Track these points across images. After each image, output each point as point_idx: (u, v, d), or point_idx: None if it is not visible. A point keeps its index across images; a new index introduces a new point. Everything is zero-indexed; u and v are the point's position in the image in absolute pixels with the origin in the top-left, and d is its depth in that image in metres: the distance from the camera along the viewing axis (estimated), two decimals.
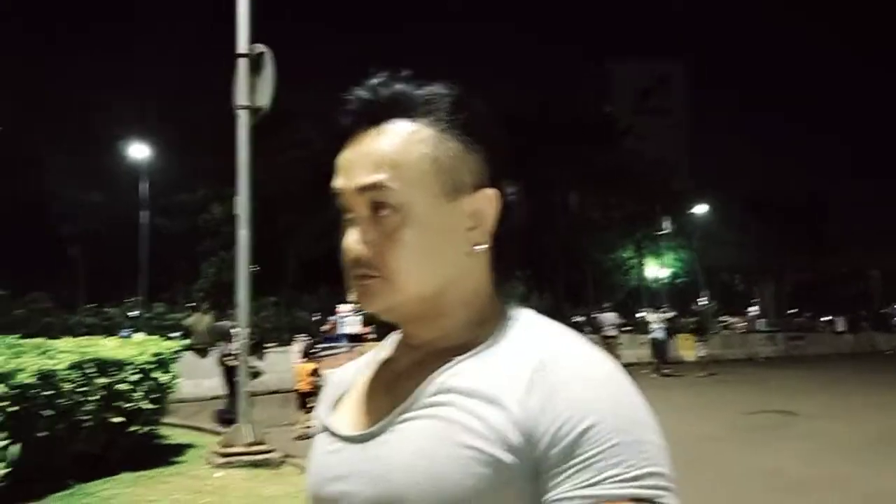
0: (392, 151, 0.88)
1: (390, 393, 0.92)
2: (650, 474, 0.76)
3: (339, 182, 0.91)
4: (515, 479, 0.78)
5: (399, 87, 0.91)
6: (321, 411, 1.02)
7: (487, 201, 0.90)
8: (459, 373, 0.85)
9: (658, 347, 18.60)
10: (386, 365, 0.99)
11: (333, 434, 0.94)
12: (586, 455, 0.75)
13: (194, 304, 21.13)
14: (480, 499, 0.77)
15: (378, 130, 0.89)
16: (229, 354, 9.88)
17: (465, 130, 0.90)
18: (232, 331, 9.89)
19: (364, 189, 0.88)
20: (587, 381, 0.80)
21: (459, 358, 0.87)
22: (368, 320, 15.21)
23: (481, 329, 0.91)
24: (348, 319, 24.50)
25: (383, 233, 0.88)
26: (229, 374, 9.99)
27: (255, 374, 9.67)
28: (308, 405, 9.54)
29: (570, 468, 0.76)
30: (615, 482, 0.74)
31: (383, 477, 0.83)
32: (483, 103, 0.94)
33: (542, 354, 0.83)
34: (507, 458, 0.78)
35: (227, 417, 9.48)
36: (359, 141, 0.90)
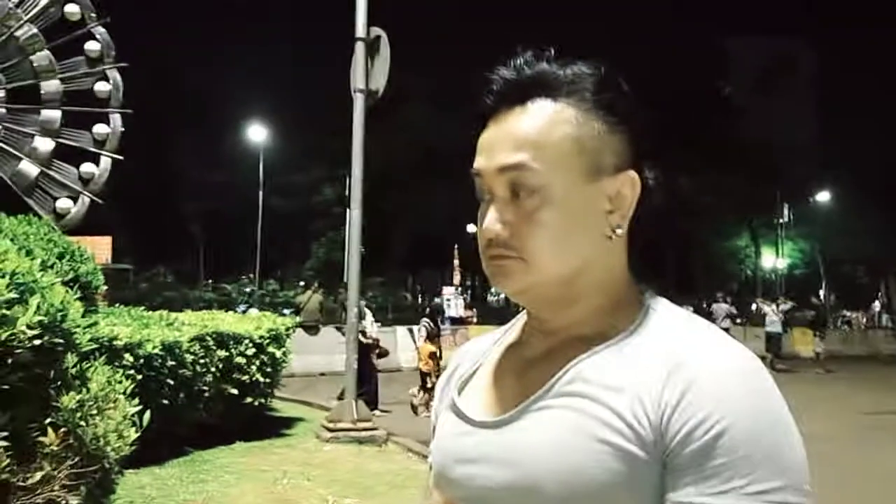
0: (534, 132, 0.87)
1: (523, 379, 0.91)
2: (778, 489, 0.74)
3: (479, 162, 0.91)
4: (647, 474, 0.77)
5: (543, 66, 0.90)
6: (448, 392, 1.02)
7: (629, 184, 0.89)
8: (596, 364, 0.84)
9: (773, 341, 17.88)
10: (515, 349, 0.98)
11: (463, 417, 0.94)
12: (716, 461, 0.74)
13: (305, 282, 21.83)
14: (612, 492, 0.78)
15: (521, 110, 0.89)
16: (363, 332, 10.04)
17: (609, 111, 0.88)
18: (365, 310, 10.15)
19: (505, 169, 0.87)
20: (724, 382, 0.78)
21: (596, 348, 0.86)
22: (470, 304, 15.22)
23: (616, 317, 0.89)
24: (452, 302, 24.67)
25: (522, 214, 0.87)
26: (362, 352, 10.08)
27: (382, 354, 9.89)
28: (428, 384, 9.74)
29: (698, 472, 0.75)
30: (741, 494, 0.73)
31: (517, 464, 0.83)
32: (627, 83, 0.92)
33: (681, 350, 0.81)
34: (640, 453, 0.77)
35: (365, 398, 9.68)
36: (501, 120, 0.90)
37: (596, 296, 0.90)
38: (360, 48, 8.08)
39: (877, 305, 45.33)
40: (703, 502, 0.74)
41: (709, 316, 21.27)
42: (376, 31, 8.17)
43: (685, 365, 0.79)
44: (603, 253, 0.89)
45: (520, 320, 1.02)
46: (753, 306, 37.72)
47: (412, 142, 31.67)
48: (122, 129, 9.94)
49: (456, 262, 31.15)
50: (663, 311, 0.90)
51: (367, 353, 9.83)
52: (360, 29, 8.10)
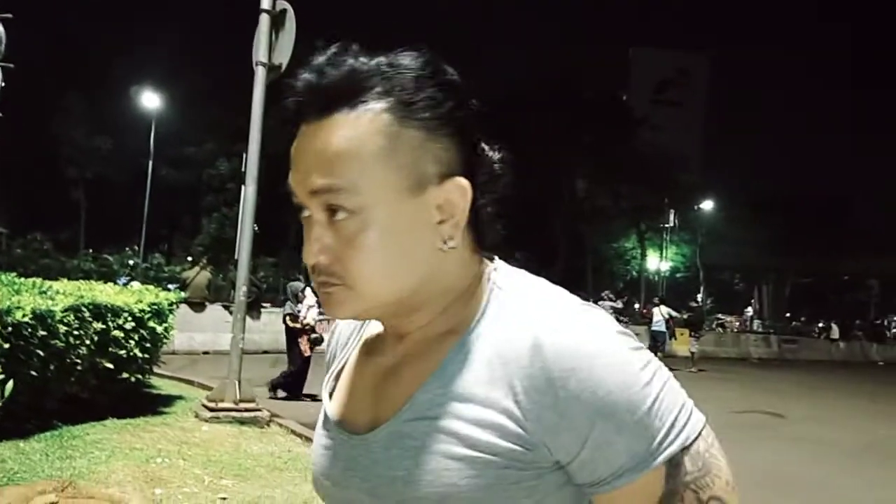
0: (344, 147, 0.77)
1: (380, 390, 0.87)
2: (668, 432, 0.76)
3: (291, 178, 0.81)
4: (523, 477, 0.76)
5: (351, 65, 0.79)
6: (326, 388, 0.98)
7: (458, 192, 0.80)
8: (451, 373, 0.80)
9: (656, 340, 18.67)
10: (373, 351, 0.93)
11: (330, 427, 0.92)
12: (607, 440, 0.74)
13: (193, 258, 21.14)
14: (488, 502, 0.76)
15: (328, 122, 0.78)
16: (294, 315, 9.80)
17: (430, 112, 0.78)
18: (305, 292, 9.89)
19: (316, 192, 0.78)
20: (583, 364, 0.74)
21: (450, 353, 0.81)
22: None
23: (468, 308, 0.84)
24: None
25: (342, 238, 0.78)
26: (291, 335, 9.85)
27: (317, 342, 9.65)
28: None
29: (594, 454, 0.75)
30: (643, 457, 0.75)
31: (385, 487, 0.81)
32: (453, 72, 0.81)
33: (532, 339, 0.76)
34: (510, 460, 0.75)
35: (280, 382, 9.50)
36: (308, 133, 0.79)
37: (440, 299, 0.85)
38: (264, 20, 7.83)
39: (749, 311, 48.02)
40: (612, 477, 0.75)
41: None
42: (282, 3, 7.95)
43: (544, 352, 0.75)
44: (440, 261, 0.82)
45: None
46: (636, 306, 39.20)
47: None
48: (2, 85, 9.30)
49: None
50: (513, 290, 0.84)
51: (296, 338, 9.63)
52: (266, 1, 7.87)
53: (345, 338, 1.01)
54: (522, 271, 0.88)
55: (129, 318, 6.89)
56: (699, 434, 0.77)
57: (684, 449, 0.75)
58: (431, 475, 0.77)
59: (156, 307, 7.43)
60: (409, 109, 0.77)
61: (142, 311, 7.09)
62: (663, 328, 18.58)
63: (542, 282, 0.86)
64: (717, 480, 0.77)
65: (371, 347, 0.94)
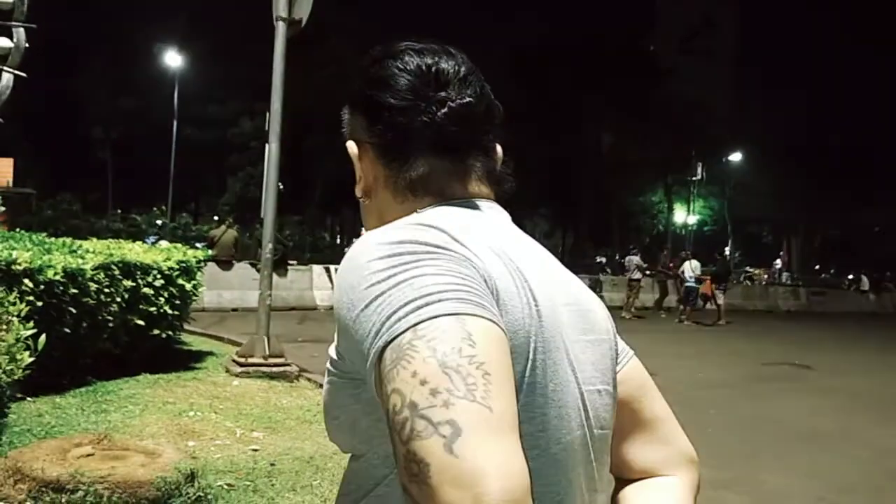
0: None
1: None
2: (381, 328, 0.71)
3: None
4: (345, 385, 0.83)
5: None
6: None
7: (351, 154, 0.98)
8: None
9: (689, 295, 18.55)
10: None
11: None
12: (342, 339, 0.79)
13: (220, 217, 21.30)
14: (334, 410, 0.87)
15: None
16: None
17: (350, 98, 1.00)
18: None
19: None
20: (341, 266, 0.82)
21: None
22: None
23: None
24: None
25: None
26: None
27: None
28: None
29: (345, 354, 0.81)
30: (365, 355, 0.72)
31: None
32: (366, 61, 0.98)
33: None
34: (338, 370, 0.84)
35: None
36: None
37: None
38: None
39: (778, 263, 47.52)
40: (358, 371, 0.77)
41: (621, 267, 21.90)
42: None
43: None
44: (387, 207, 0.95)
45: None
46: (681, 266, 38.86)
47: (335, 78, 30.98)
48: (27, 45, 9.31)
49: None
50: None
51: None
52: None
53: None
54: (440, 211, 0.90)
55: (159, 276, 6.99)
56: (412, 326, 0.69)
57: (391, 341, 0.69)
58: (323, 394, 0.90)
59: (184, 265, 7.51)
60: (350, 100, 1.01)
61: (170, 268, 7.18)
62: (695, 284, 18.44)
63: (419, 215, 0.89)
64: (403, 371, 0.66)
65: None
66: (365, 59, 0.98)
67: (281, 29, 7.79)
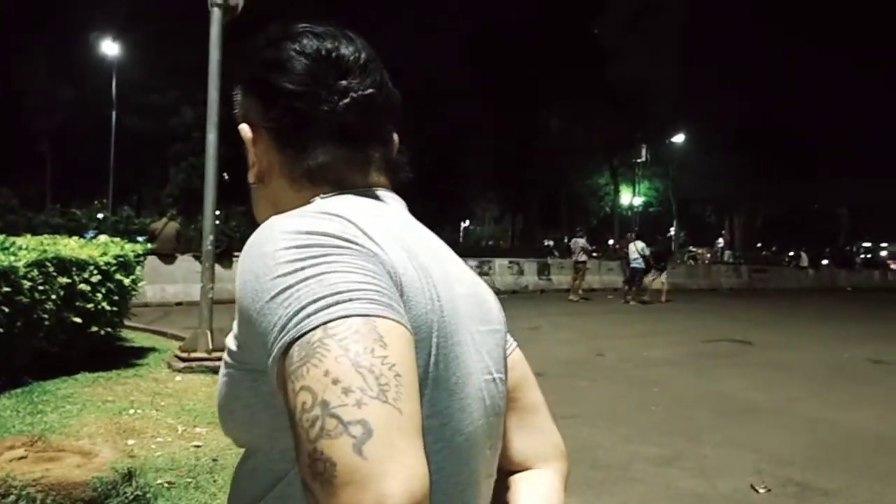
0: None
1: None
2: (287, 323, 0.69)
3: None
4: (243, 377, 0.81)
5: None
6: None
7: (246, 140, 0.95)
8: None
9: (634, 276, 18.84)
10: None
11: None
12: (244, 329, 0.77)
13: (162, 209, 20.88)
14: (231, 402, 0.85)
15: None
16: None
17: (243, 83, 0.98)
18: None
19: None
20: (245, 252, 0.79)
21: None
22: None
23: None
24: None
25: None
26: None
27: None
28: None
29: (245, 342, 0.79)
30: (268, 349, 0.71)
31: None
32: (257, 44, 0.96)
33: None
34: (234, 361, 0.83)
35: None
36: None
37: None
38: None
39: (720, 242, 48.59)
40: (263, 365, 0.73)
41: (569, 250, 22.13)
42: None
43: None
44: (282, 194, 0.93)
45: None
46: (610, 241, 39.46)
47: None
48: None
49: None
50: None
51: None
52: None
53: None
54: (344, 199, 0.89)
55: (95, 272, 6.82)
56: (322, 324, 0.68)
57: (299, 338, 0.68)
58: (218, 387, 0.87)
59: (122, 259, 7.35)
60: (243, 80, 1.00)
61: (107, 263, 7.02)
62: (641, 264, 18.73)
63: (323, 203, 0.87)
64: (314, 370, 0.65)
65: None
66: (260, 39, 0.95)
67: (216, 15, 7.64)
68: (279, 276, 0.72)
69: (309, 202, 0.88)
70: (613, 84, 40.47)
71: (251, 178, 0.95)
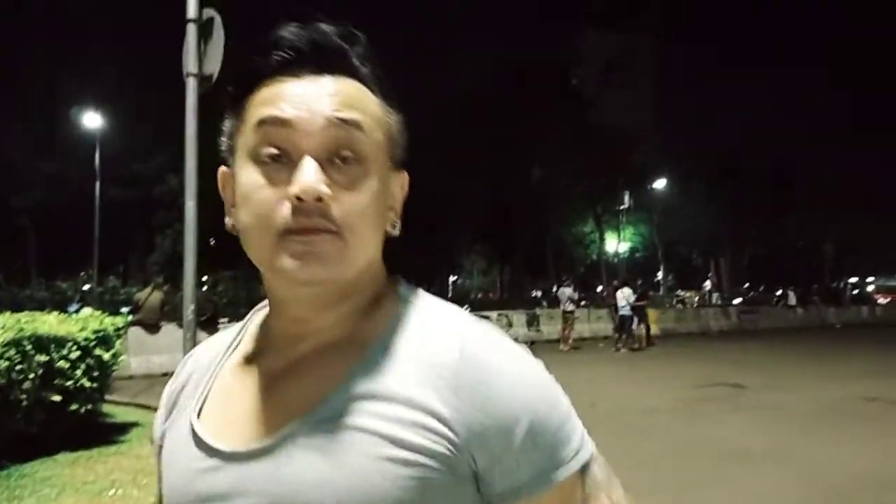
0: (358, 98, 0.77)
1: (274, 397, 0.78)
2: (581, 439, 0.78)
3: (288, 111, 0.74)
4: (447, 483, 0.71)
5: (341, 41, 0.79)
6: (182, 413, 0.86)
7: (404, 184, 0.85)
8: (372, 372, 0.75)
9: (623, 324, 18.80)
10: (252, 360, 0.85)
11: (206, 448, 0.78)
12: (534, 445, 0.74)
13: (147, 277, 20.74)
14: None
15: (329, 77, 0.76)
16: None
17: (396, 110, 0.82)
18: None
19: (339, 123, 0.74)
20: (513, 376, 0.75)
21: (367, 354, 0.77)
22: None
23: (371, 318, 0.80)
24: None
25: (344, 181, 0.74)
26: None
27: None
28: None
29: (520, 459, 0.74)
30: (566, 460, 0.75)
31: (290, 498, 0.71)
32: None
33: (459, 347, 0.75)
34: (435, 462, 0.71)
35: None
36: (306, 81, 0.76)
37: (362, 293, 0.81)
38: (191, 30, 7.65)
39: (707, 285, 48.71)
40: (536, 476, 0.74)
41: (556, 300, 22.09)
42: (209, 12, 7.78)
43: (469, 364, 0.74)
44: (378, 249, 0.81)
45: (251, 322, 0.91)
46: (599, 288, 39.41)
47: None
48: None
49: None
50: (421, 306, 0.82)
51: None
52: (192, 10, 7.69)
53: (205, 363, 0.91)
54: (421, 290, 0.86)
55: (75, 348, 6.70)
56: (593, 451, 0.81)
57: (591, 457, 0.79)
58: (352, 478, 0.70)
59: (101, 334, 7.23)
60: (385, 91, 0.80)
61: (87, 339, 6.90)
62: (629, 312, 18.70)
63: (444, 303, 0.84)
64: (617, 489, 0.81)
65: (250, 358, 0.85)
66: None
67: (191, 85, 7.68)
68: (559, 404, 0.78)
69: None
70: (593, 133, 41.03)
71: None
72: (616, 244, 45.65)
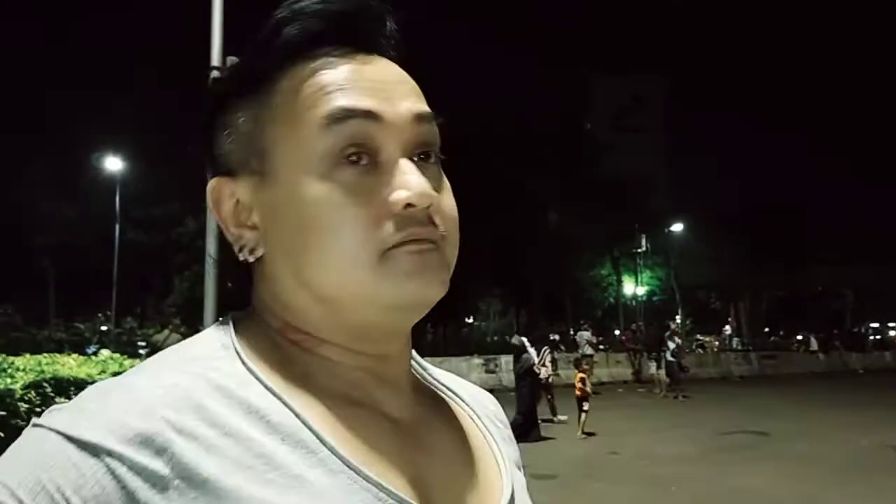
0: (418, 91, 0.64)
1: (423, 452, 0.64)
2: None
3: (373, 102, 0.60)
4: None
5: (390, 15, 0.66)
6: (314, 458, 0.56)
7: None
8: (490, 435, 0.73)
9: (672, 370, 18.49)
10: (359, 404, 0.63)
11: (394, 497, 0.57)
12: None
13: (164, 320, 20.82)
14: None
15: (383, 61, 0.64)
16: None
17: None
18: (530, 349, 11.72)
19: (423, 116, 0.62)
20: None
21: (466, 411, 0.74)
22: None
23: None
24: None
25: (435, 185, 0.61)
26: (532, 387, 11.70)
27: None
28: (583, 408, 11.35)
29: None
30: None
31: None
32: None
33: (475, 389, 0.80)
34: None
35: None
36: (370, 62, 0.62)
37: None
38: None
39: (727, 329, 48.23)
40: None
41: (574, 343, 21.88)
42: (233, 60, 7.94)
43: (493, 404, 0.80)
44: None
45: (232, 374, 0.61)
46: (616, 332, 39.10)
47: None
48: None
49: None
50: None
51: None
52: (216, 58, 7.87)
53: (223, 419, 0.56)
54: None
55: None
56: None
57: None
58: None
59: None
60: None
61: None
62: (673, 358, 18.36)
63: None
64: None
65: (352, 404, 0.62)
66: None
67: None
68: None
69: None
70: (607, 178, 41.20)
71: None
72: (633, 287, 45.44)
